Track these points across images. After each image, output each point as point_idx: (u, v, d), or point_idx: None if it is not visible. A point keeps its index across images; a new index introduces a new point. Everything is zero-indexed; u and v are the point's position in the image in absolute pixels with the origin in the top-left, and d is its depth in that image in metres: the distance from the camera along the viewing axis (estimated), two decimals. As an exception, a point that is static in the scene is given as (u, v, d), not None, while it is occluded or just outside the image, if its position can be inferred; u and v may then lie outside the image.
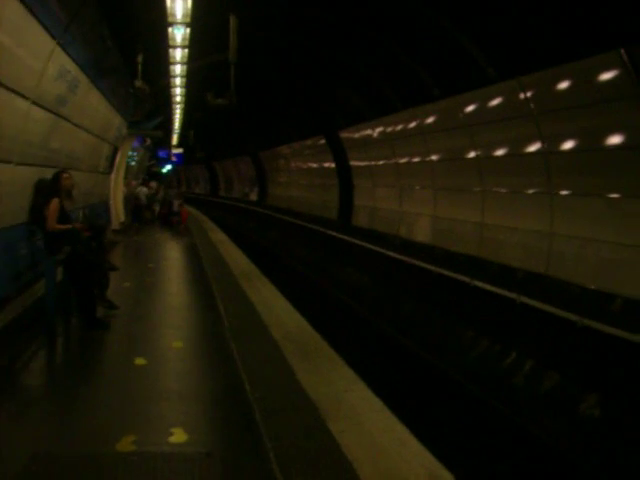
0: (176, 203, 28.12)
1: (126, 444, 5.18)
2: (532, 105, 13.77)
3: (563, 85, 12.74)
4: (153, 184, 31.28)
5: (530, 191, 14.86)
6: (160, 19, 12.45)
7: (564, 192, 13.65)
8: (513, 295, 13.32)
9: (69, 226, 8.96)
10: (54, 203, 8.60)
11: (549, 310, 12.19)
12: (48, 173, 9.30)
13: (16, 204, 8.87)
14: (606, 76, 11.47)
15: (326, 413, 5.53)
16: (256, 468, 4.85)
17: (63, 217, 8.87)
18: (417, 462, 4.67)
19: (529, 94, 13.76)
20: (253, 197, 51.74)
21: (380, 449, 4.88)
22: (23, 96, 8.57)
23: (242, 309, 10.20)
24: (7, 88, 7.78)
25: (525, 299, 12.97)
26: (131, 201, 26.63)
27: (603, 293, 12.23)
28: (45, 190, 8.98)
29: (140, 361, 7.56)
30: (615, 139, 11.88)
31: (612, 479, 9.00)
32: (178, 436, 5.39)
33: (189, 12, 11.75)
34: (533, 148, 14.24)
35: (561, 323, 11.68)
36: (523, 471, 9.30)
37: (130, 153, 27.72)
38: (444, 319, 15.87)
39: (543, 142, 13.82)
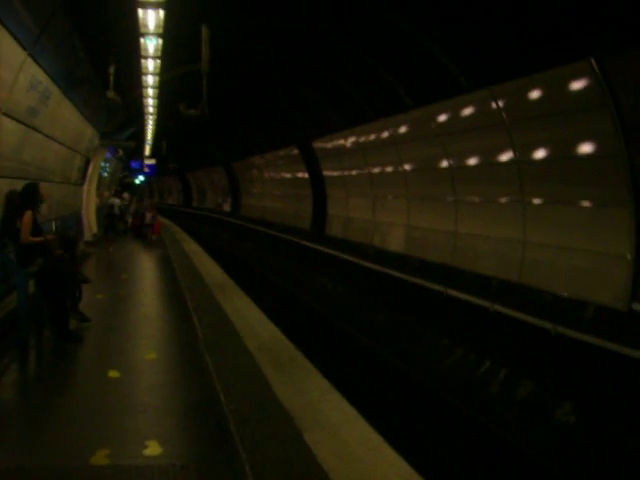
0: (148, 215, 27.47)
1: (100, 457, 5.14)
2: (504, 114, 13.87)
3: (535, 94, 12.85)
4: (126, 195, 31.14)
5: (503, 200, 14.95)
6: (132, 30, 12.40)
7: (536, 200, 13.74)
8: (486, 303, 13.39)
9: (42, 238, 8.88)
10: (27, 215, 8.53)
11: (522, 318, 12.27)
12: (19, 185, 9.21)
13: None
14: (577, 85, 11.59)
15: (301, 423, 5.53)
16: (231, 479, 4.83)
17: (35, 229, 8.79)
18: (393, 471, 4.69)
19: (501, 103, 13.86)
20: (226, 208, 51.62)
21: (356, 459, 4.88)
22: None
23: (216, 320, 10.19)
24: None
25: (498, 307, 13.04)
26: (104, 212, 26.46)
27: (575, 301, 12.32)
28: (17, 202, 8.90)
29: (114, 374, 7.51)
30: (586, 148, 11.99)
31: None
32: (153, 449, 5.35)
33: (161, 23, 11.71)
34: (505, 157, 14.34)
35: (535, 331, 11.77)
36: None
37: (102, 164, 27.57)
38: (418, 328, 15.91)
39: (515, 151, 13.91)
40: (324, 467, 4.70)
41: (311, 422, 5.58)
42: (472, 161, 16.10)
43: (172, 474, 4.95)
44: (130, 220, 29.82)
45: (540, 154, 13.36)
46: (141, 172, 49.21)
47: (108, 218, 27.12)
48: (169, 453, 5.31)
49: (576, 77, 11.50)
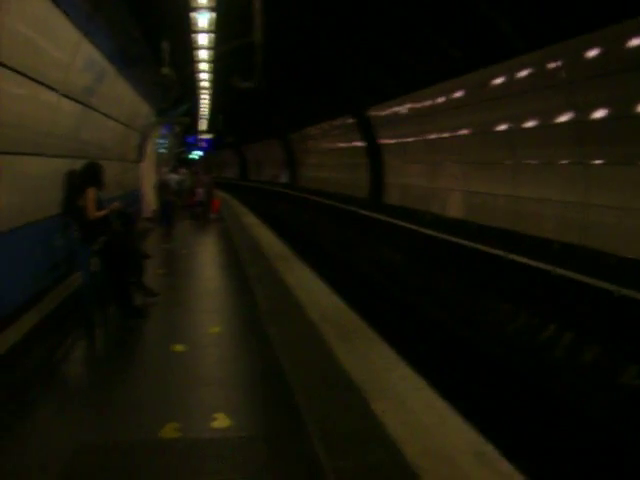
0: (200, 191, 24.34)
1: (170, 431, 5.21)
2: (563, 74, 13.54)
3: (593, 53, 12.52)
4: (183, 170, 31.13)
5: (563, 162, 14.65)
6: (184, 4, 12.40)
7: (597, 161, 13.43)
8: (549, 267, 13.18)
9: (107, 210, 8.91)
10: (91, 191, 8.58)
11: (584, 280, 12.07)
12: (78, 164, 9.31)
13: (50, 196, 8.92)
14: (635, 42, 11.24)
15: (367, 393, 5.50)
16: (300, 450, 4.85)
17: (99, 206, 8.87)
18: (461, 439, 4.63)
19: (559, 63, 13.52)
20: (283, 179, 51.67)
21: (423, 427, 4.84)
22: (52, 89, 8.59)
23: (278, 291, 10.18)
24: (37, 81, 7.80)
25: (561, 271, 12.83)
26: (161, 190, 24.64)
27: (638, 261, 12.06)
28: (77, 181, 8.99)
29: (179, 348, 7.60)
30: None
31: None
32: (221, 421, 5.41)
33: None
34: (564, 118, 14.02)
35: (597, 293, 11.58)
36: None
37: (159, 141, 27.75)
38: (479, 293, 15.76)
39: (575, 112, 13.59)
40: (392, 435, 4.67)
41: (377, 391, 5.54)
42: (530, 124, 15.77)
43: (242, 446, 5.00)
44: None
45: (599, 114, 13.02)
46: (198, 147, 49.50)
47: (165, 203, 21.07)
48: (237, 425, 5.37)
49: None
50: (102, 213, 8.68)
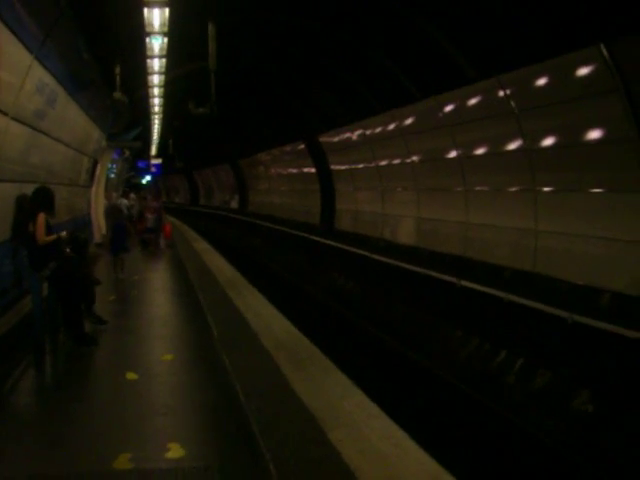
0: (150, 217, 22.87)
1: (123, 462, 5.11)
2: (513, 103, 13.77)
3: (542, 81, 12.77)
4: (132, 195, 30.78)
5: (513, 189, 14.86)
6: (138, 29, 12.37)
7: (547, 188, 13.66)
8: (501, 294, 13.32)
9: (56, 236, 8.78)
10: (41, 217, 8.46)
11: (537, 307, 12.21)
12: (28, 189, 9.18)
13: (-2, 221, 8.78)
14: (584, 71, 11.50)
15: (323, 421, 5.46)
16: (256, 480, 4.79)
17: (49, 232, 8.73)
18: (419, 468, 4.61)
19: (509, 92, 13.76)
20: (234, 205, 51.60)
21: (381, 456, 4.81)
22: (2, 112, 8.48)
23: (230, 317, 10.13)
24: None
25: (513, 297, 12.97)
26: (112, 215, 23.23)
27: (590, 287, 12.25)
28: (27, 206, 8.86)
29: (132, 376, 7.49)
30: (594, 134, 11.91)
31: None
32: (175, 451, 5.32)
33: (166, 21, 11.67)
34: (514, 146, 14.25)
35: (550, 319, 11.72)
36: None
37: (109, 165, 27.53)
38: (431, 319, 15.85)
39: (525, 139, 13.82)
40: (350, 465, 4.63)
41: (333, 420, 5.51)
42: (480, 151, 16.00)
43: (196, 476, 4.93)
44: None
45: (549, 141, 13.27)
46: (148, 172, 49.24)
47: (117, 227, 18.31)
48: (192, 455, 5.29)
49: (585, 63, 11.41)
50: (51, 238, 8.55)
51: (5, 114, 8.64)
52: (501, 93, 13.97)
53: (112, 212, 19.45)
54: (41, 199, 8.82)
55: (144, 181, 53.39)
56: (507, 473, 9.01)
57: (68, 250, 9.36)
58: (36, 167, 11.63)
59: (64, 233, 9.06)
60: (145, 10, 11.11)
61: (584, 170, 12.50)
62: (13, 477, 4.95)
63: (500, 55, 13.35)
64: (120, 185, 36.61)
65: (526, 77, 13.09)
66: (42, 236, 8.37)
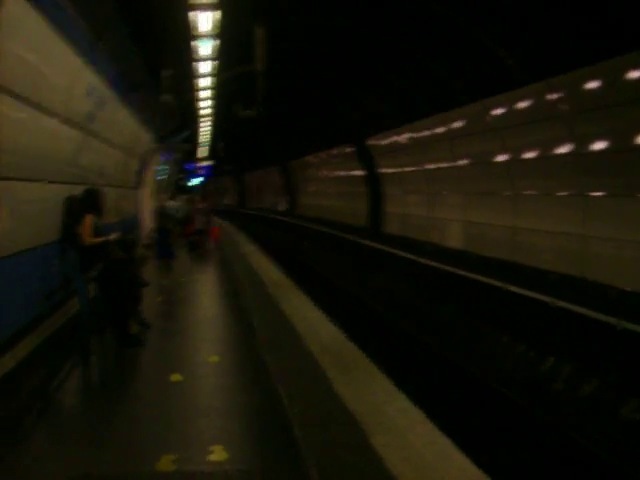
0: (199, 219, 22.65)
1: (166, 463, 5.12)
2: (563, 106, 13.57)
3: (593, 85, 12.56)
4: (181, 197, 30.89)
5: (561, 193, 14.64)
6: (184, 33, 12.43)
7: (597, 193, 13.43)
8: (547, 299, 13.11)
9: (104, 238, 8.87)
10: (88, 218, 8.57)
11: (583, 313, 12.00)
12: (78, 190, 9.28)
13: (48, 222, 8.87)
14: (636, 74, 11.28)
15: (367, 426, 5.43)
16: (299, 485, 4.77)
17: (97, 233, 8.81)
18: (463, 476, 4.56)
19: (558, 95, 13.56)
20: (281, 207, 51.71)
21: (425, 463, 4.76)
22: (54, 114, 8.60)
23: (276, 320, 10.14)
24: (38, 107, 7.80)
25: (561, 303, 12.76)
26: (159, 217, 22.59)
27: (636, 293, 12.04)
28: (75, 207, 8.96)
29: (176, 377, 7.51)
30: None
31: None
32: (218, 454, 5.32)
33: (215, 24, 11.69)
34: (564, 150, 14.04)
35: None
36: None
37: (158, 167, 27.74)
38: (478, 325, 15.67)
39: (574, 143, 13.61)
40: (393, 471, 4.59)
41: (377, 425, 5.47)
42: (529, 155, 15.79)
43: (238, 479, 4.91)
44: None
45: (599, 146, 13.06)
46: (197, 174, 49.58)
47: (162, 230, 19.40)
48: (235, 458, 5.28)
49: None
50: (98, 240, 8.64)
51: (56, 116, 8.76)
52: (550, 96, 13.78)
53: (160, 214, 19.55)
54: (90, 201, 8.94)
55: (191, 184, 53.70)
56: None
57: (119, 252, 9.42)
58: (85, 169, 11.76)
59: (113, 236, 9.14)
60: (190, 14, 11.13)
61: (634, 175, 12.28)
62: (55, 476, 4.99)
63: (550, 58, 13.17)
64: (169, 187, 36.86)
65: (576, 80, 12.89)
66: (88, 237, 8.46)
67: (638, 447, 9.48)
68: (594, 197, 13.49)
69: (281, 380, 6.83)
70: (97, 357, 8.72)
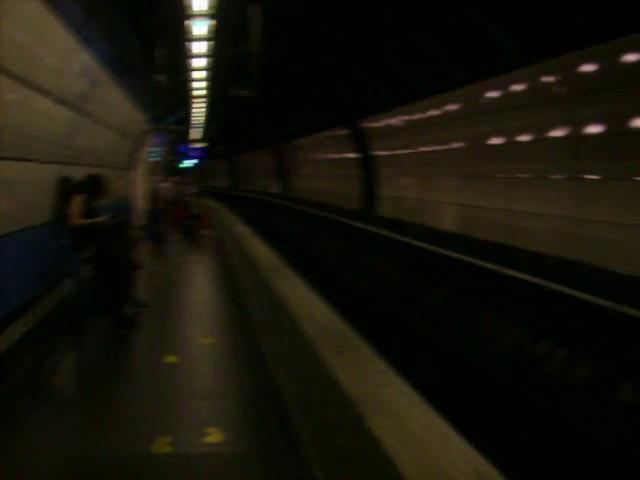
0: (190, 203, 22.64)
1: (162, 445, 5.10)
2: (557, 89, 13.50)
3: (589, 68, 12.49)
4: (173, 180, 30.68)
5: (556, 176, 14.59)
6: (180, 11, 12.31)
7: (592, 177, 13.39)
8: (543, 282, 13.10)
9: (91, 220, 8.75)
10: (76, 199, 8.48)
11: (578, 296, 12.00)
12: (70, 171, 9.22)
13: (41, 203, 8.80)
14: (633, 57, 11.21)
15: (364, 408, 5.40)
16: (295, 467, 4.74)
17: (91, 214, 8.71)
18: (461, 458, 4.52)
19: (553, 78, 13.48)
20: (274, 190, 51.57)
21: (421, 445, 4.73)
22: (47, 94, 8.51)
23: (270, 303, 10.08)
24: (31, 86, 7.72)
25: (556, 286, 12.75)
26: (152, 198, 22.31)
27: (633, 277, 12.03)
28: (67, 188, 8.89)
29: (171, 359, 7.49)
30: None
31: None
32: (214, 436, 5.30)
33: (209, 3, 11.57)
34: (559, 133, 13.97)
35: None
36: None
37: (151, 148, 27.62)
38: (471, 307, 15.66)
39: (570, 126, 13.55)
40: (389, 453, 4.56)
41: (373, 407, 5.44)
42: (525, 138, 15.71)
43: (234, 462, 4.89)
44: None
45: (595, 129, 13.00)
46: (190, 156, 49.41)
47: (154, 213, 18.26)
48: (231, 440, 5.26)
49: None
50: (86, 222, 8.54)
51: (49, 95, 8.67)
52: (545, 79, 13.70)
53: (152, 196, 19.44)
54: (89, 185, 8.87)
55: (187, 164, 53.52)
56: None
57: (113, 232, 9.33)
58: (77, 149, 11.66)
59: (101, 218, 9.05)
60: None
61: (631, 159, 12.23)
62: (50, 458, 4.96)
63: (546, 40, 13.09)
64: (163, 168, 36.72)
65: (571, 63, 12.82)
66: (74, 218, 8.38)
67: (629, 427, 9.52)
68: (589, 180, 13.46)
69: (277, 362, 6.79)
70: (91, 338, 8.69)
